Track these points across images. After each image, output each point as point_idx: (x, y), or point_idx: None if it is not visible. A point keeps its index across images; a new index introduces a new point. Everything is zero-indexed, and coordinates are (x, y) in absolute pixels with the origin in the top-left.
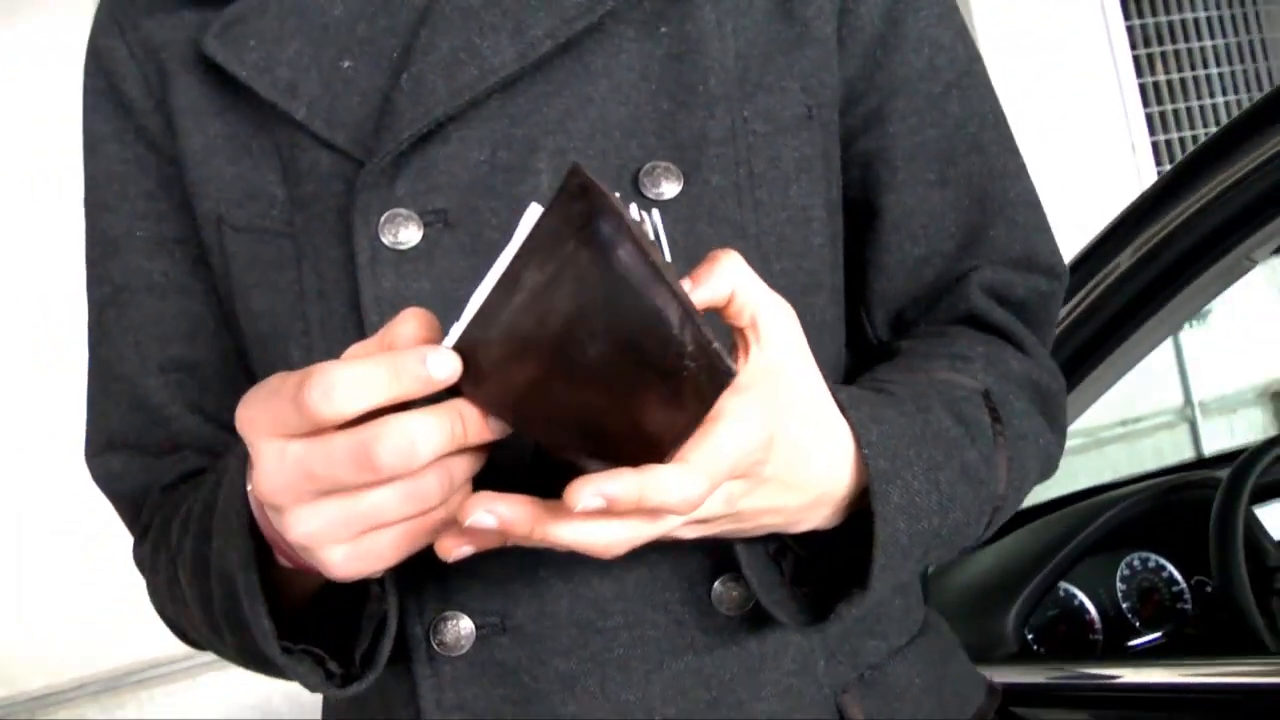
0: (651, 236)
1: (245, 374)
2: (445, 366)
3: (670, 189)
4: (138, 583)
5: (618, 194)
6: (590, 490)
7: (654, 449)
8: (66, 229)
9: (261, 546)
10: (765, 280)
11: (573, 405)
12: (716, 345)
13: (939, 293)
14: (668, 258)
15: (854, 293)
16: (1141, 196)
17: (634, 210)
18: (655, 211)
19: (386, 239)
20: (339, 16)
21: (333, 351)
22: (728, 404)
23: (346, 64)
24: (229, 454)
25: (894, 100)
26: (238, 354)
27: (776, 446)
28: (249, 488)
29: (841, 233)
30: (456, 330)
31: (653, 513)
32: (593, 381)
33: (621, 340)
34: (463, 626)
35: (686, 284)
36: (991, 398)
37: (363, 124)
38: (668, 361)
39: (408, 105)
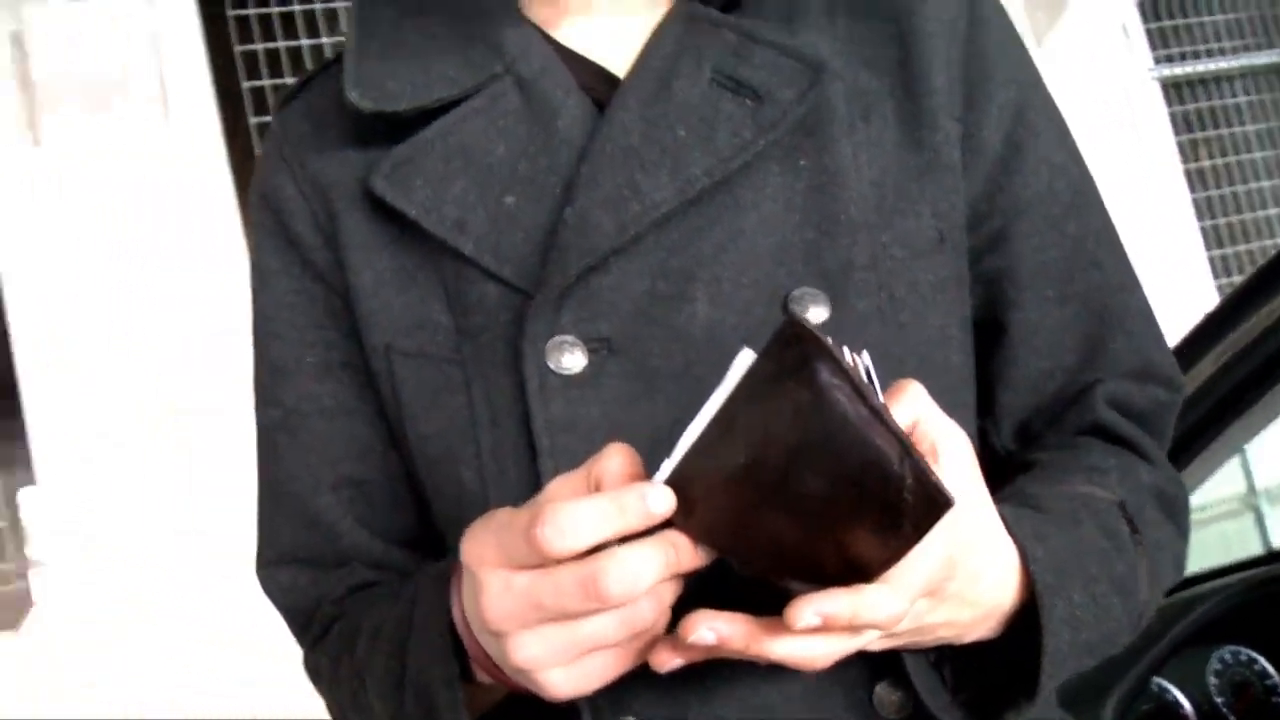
0: (865, 378)
1: (412, 492)
2: (663, 502)
3: (818, 314)
4: None
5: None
6: (811, 610)
7: (859, 571)
8: None
9: (462, 665)
10: None
11: (783, 534)
12: (935, 477)
13: (1063, 405)
14: (881, 396)
15: (980, 404)
16: (1220, 306)
17: (846, 353)
18: (865, 353)
19: (554, 366)
20: (501, 156)
21: (504, 474)
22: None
23: (510, 200)
24: (418, 574)
25: (1016, 222)
26: (404, 473)
27: (958, 565)
28: (454, 611)
29: (973, 349)
30: (669, 466)
31: (859, 629)
32: (807, 513)
33: (842, 476)
34: None
35: None
36: (1127, 509)
37: (527, 257)
38: (889, 495)
39: (574, 239)
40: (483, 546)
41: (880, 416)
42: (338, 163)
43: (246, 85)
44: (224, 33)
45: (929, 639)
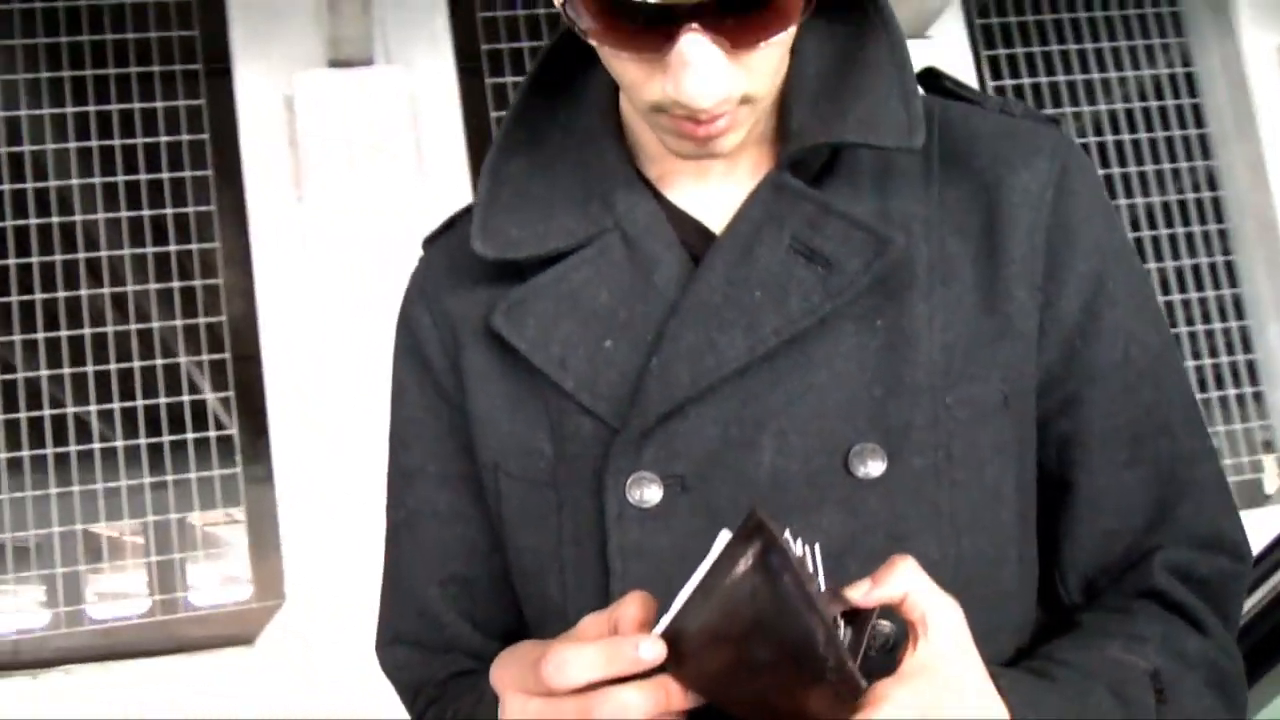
0: (811, 569)
1: (511, 592)
2: (652, 652)
3: (876, 468)
4: None
5: (823, 485)
6: None
7: None
8: None
9: None
10: (955, 554)
11: (752, 688)
12: (850, 666)
13: (1125, 567)
14: (823, 587)
15: (1050, 558)
16: None
17: (799, 545)
18: (817, 546)
19: (632, 498)
20: (604, 302)
21: (582, 590)
22: (890, 690)
23: (608, 344)
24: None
25: (1090, 387)
26: (506, 574)
27: None
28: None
29: (1033, 509)
30: (665, 620)
31: None
32: (765, 673)
33: (784, 647)
34: None
35: (866, 584)
36: (1160, 678)
37: (619, 397)
38: (817, 670)
39: (656, 387)
40: (507, 672)
41: (813, 604)
42: (466, 299)
43: None
44: (480, 95)
45: None
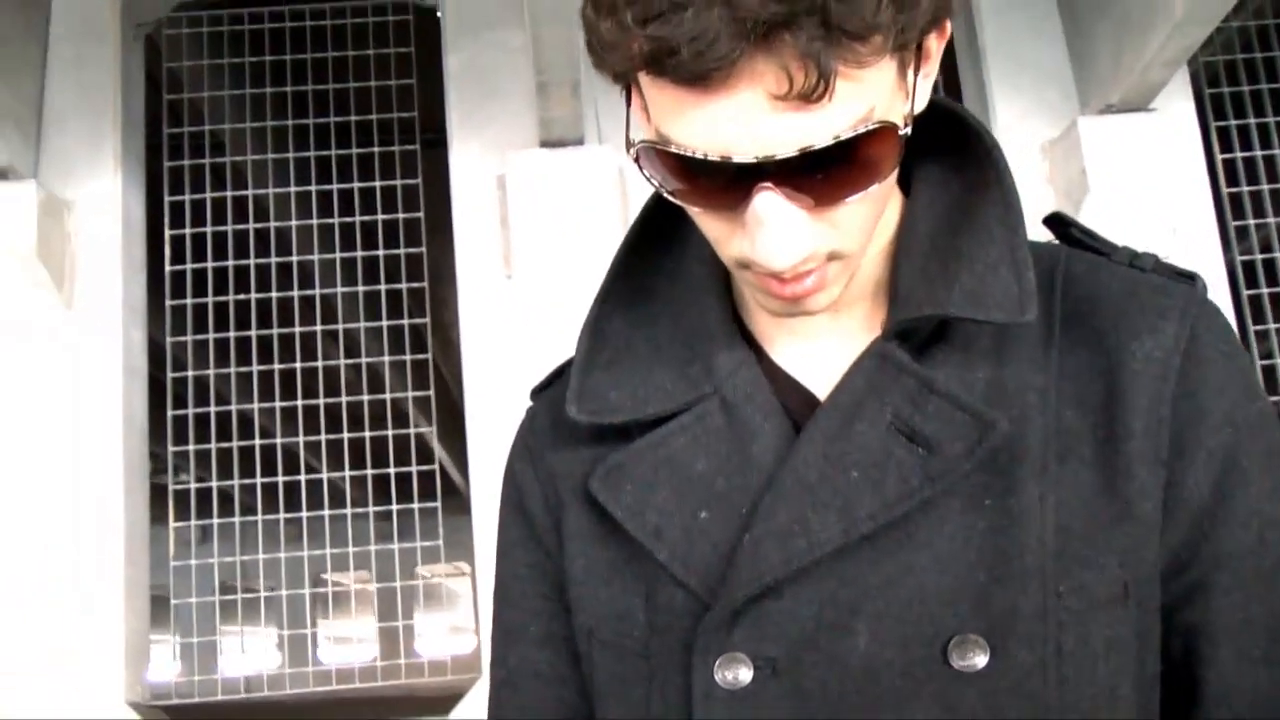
0: None
1: None
2: None
3: (978, 661)
4: None
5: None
6: None
7: None
8: None
9: None
10: None
11: None
12: None
13: None
14: None
15: None
16: None
17: None
18: None
19: (720, 679)
20: (701, 471)
21: None
22: None
23: (704, 515)
24: None
25: (1219, 575)
26: None
27: None
28: None
29: (1155, 708)
30: None
31: None
32: None
33: None
34: None
35: None
36: None
37: (712, 570)
38: None
39: (747, 566)
40: None
41: None
42: (569, 457)
43: None
44: None
45: None
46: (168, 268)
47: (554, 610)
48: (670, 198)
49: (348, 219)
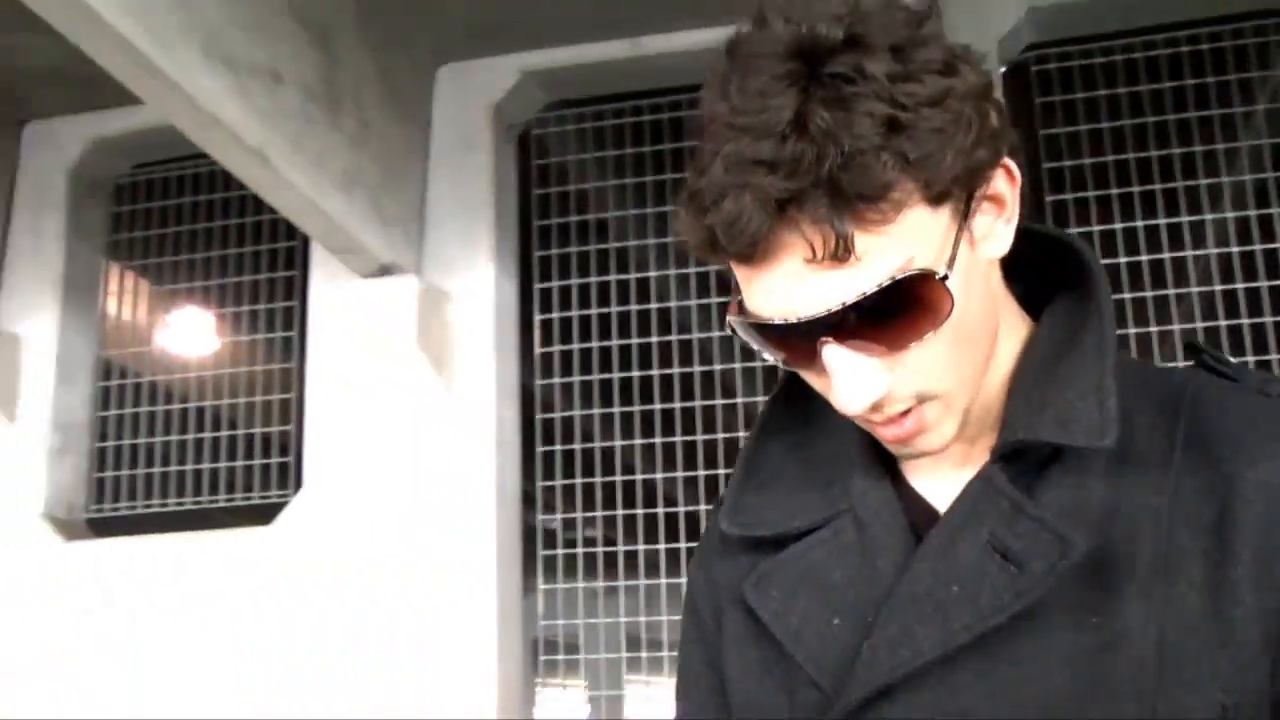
0: None
1: None
2: None
3: None
4: None
5: None
6: None
7: None
8: None
9: None
10: None
11: None
12: None
13: None
14: None
15: None
16: None
17: None
18: None
19: None
20: (836, 581)
21: None
22: None
23: (836, 621)
24: None
25: None
26: None
27: None
28: None
29: None
30: None
31: None
32: None
33: None
34: None
35: None
36: None
37: (839, 672)
38: None
39: (863, 670)
40: None
41: None
42: (730, 566)
43: None
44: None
45: None
46: (537, 350)
47: (719, 704)
48: (772, 360)
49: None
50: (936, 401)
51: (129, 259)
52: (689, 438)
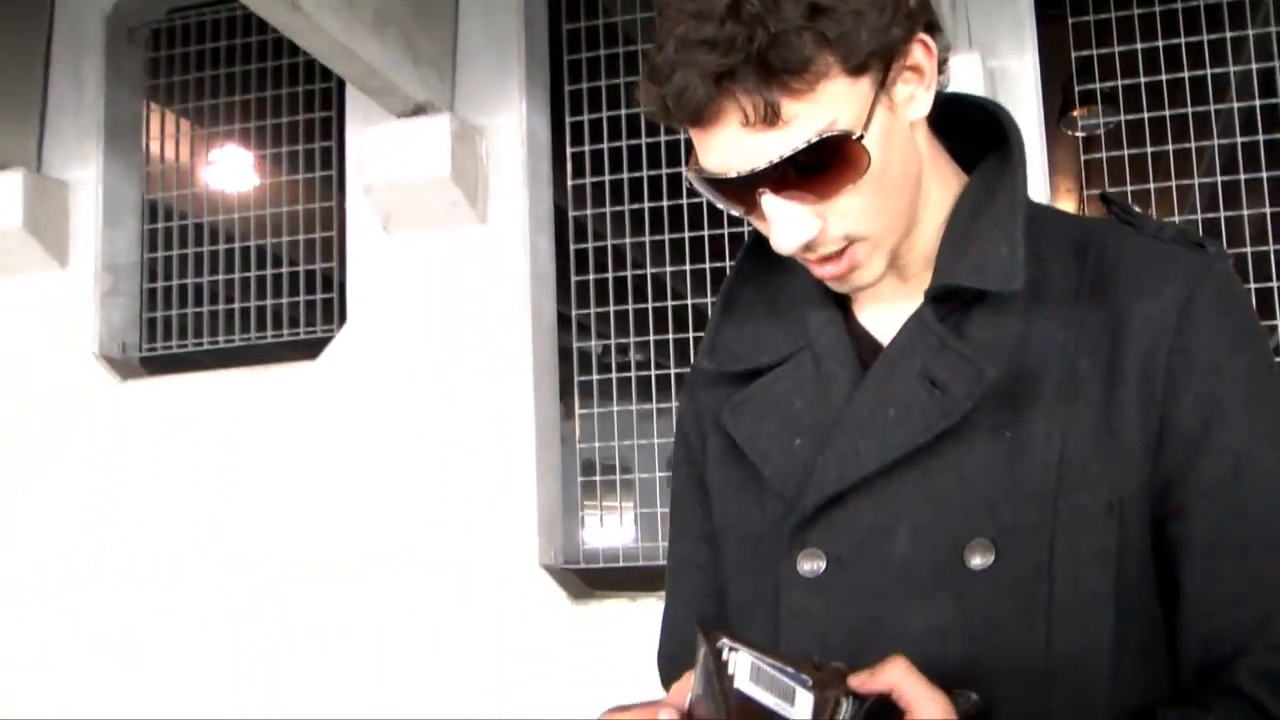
0: (729, 666)
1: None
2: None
3: (984, 561)
4: None
5: (943, 558)
6: None
7: None
8: None
9: None
10: (1044, 644)
11: None
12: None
13: (1223, 663)
14: (748, 679)
15: (1172, 647)
16: None
17: (727, 647)
18: (741, 649)
19: (800, 569)
20: (798, 407)
21: (763, 635)
22: None
23: (797, 442)
24: None
25: (1198, 500)
26: None
27: None
28: None
29: (1146, 608)
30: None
31: None
32: None
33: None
34: None
35: (865, 674)
36: None
37: (799, 484)
38: None
39: (816, 482)
40: None
41: (722, 689)
42: (710, 397)
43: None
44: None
45: None
46: (570, 182)
47: (705, 515)
48: (718, 204)
49: None
50: (865, 243)
51: (169, 103)
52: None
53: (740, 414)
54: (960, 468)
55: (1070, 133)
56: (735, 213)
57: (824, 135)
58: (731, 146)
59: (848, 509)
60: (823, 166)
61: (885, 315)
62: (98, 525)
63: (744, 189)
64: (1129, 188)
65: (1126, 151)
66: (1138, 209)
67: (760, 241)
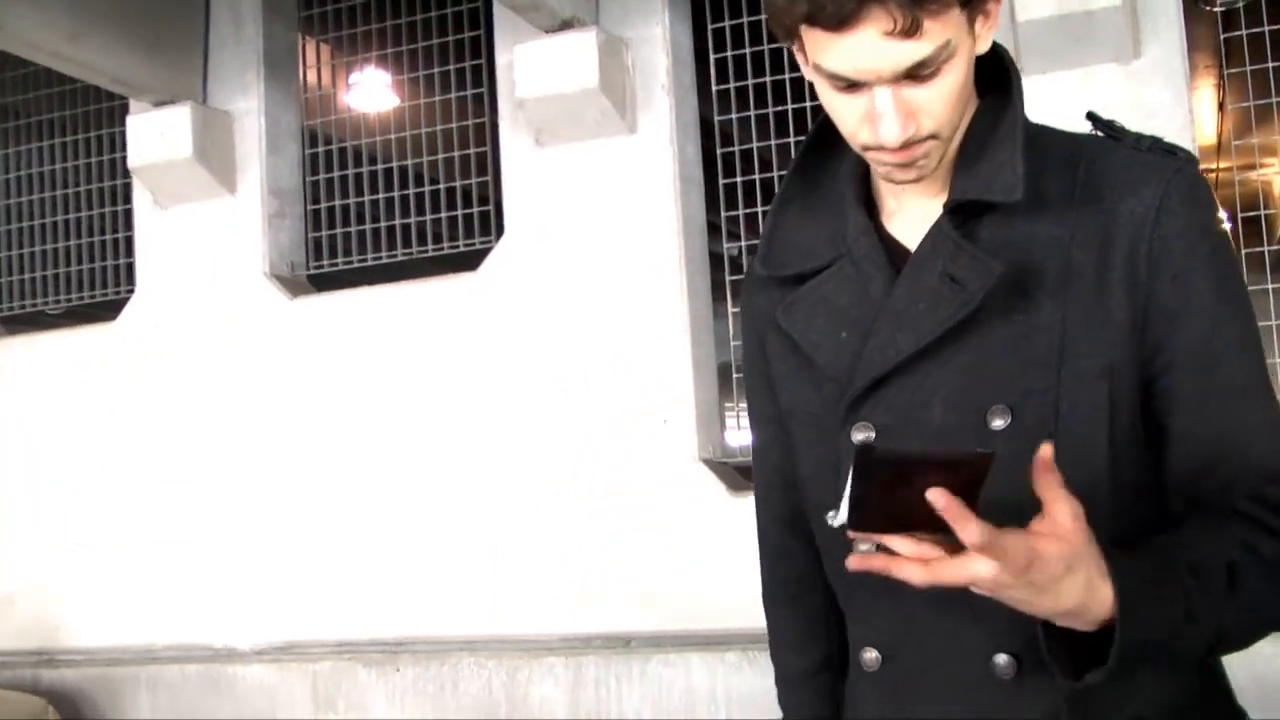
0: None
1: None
2: (839, 520)
3: (1002, 422)
4: None
5: (967, 426)
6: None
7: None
8: None
9: None
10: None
11: (907, 516)
12: (957, 452)
13: (1213, 494)
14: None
15: (1161, 484)
16: None
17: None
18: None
19: (855, 439)
20: (843, 305)
21: (824, 504)
22: (1037, 543)
23: (844, 335)
24: None
25: (1179, 360)
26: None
27: (1038, 568)
28: None
29: (1127, 453)
30: (845, 501)
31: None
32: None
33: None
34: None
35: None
36: (1235, 569)
37: (849, 369)
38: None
39: (864, 366)
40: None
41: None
42: (766, 299)
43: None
44: None
45: (1023, 607)
46: (714, 87)
47: (770, 396)
48: (827, 104)
49: None
50: (939, 141)
51: (322, 32)
52: None
53: (793, 313)
54: (981, 347)
55: (1208, 8)
56: (840, 111)
57: (943, 50)
58: (870, 50)
59: (891, 387)
60: (933, 75)
61: (910, 224)
62: (273, 436)
63: (862, 88)
64: (1270, 64)
65: (1267, 28)
66: (1119, 124)
67: (816, 145)
